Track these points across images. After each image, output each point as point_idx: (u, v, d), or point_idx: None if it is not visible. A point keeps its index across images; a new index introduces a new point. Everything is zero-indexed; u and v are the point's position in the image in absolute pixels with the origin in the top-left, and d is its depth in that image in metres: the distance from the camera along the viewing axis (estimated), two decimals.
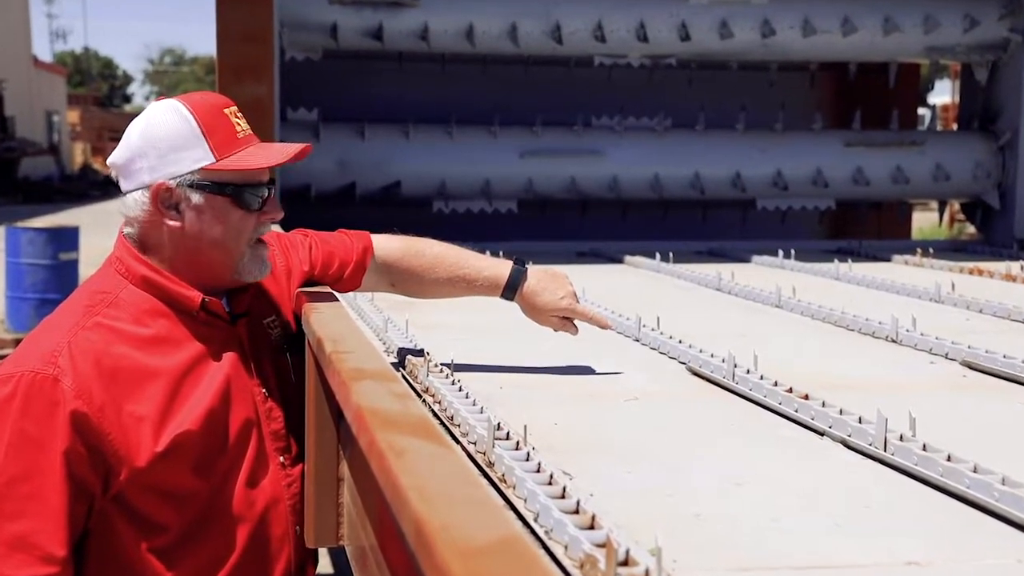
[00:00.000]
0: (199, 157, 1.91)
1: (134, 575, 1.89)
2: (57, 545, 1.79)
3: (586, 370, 2.36)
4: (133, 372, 1.86)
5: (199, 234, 1.94)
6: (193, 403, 1.90)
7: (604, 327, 2.38)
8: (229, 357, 1.98)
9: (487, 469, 1.55)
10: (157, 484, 1.87)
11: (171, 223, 1.93)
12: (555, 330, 2.35)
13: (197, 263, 1.96)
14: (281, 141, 5.30)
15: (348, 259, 2.26)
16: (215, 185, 1.92)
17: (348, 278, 2.28)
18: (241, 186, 1.94)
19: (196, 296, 1.95)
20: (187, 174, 1.91)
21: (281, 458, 2.02)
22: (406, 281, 2.33)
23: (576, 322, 2.35)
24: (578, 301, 2.34)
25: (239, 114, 1.99)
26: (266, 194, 1.99)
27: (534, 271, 2.33)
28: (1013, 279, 4.02)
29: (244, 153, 1.94)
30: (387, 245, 2.31)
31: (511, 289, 2.30)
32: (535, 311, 2.32)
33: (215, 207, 1.93)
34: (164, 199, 1.92)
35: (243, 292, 2.05)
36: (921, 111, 8.55)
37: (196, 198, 1.92)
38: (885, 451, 1.64)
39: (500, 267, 2.32)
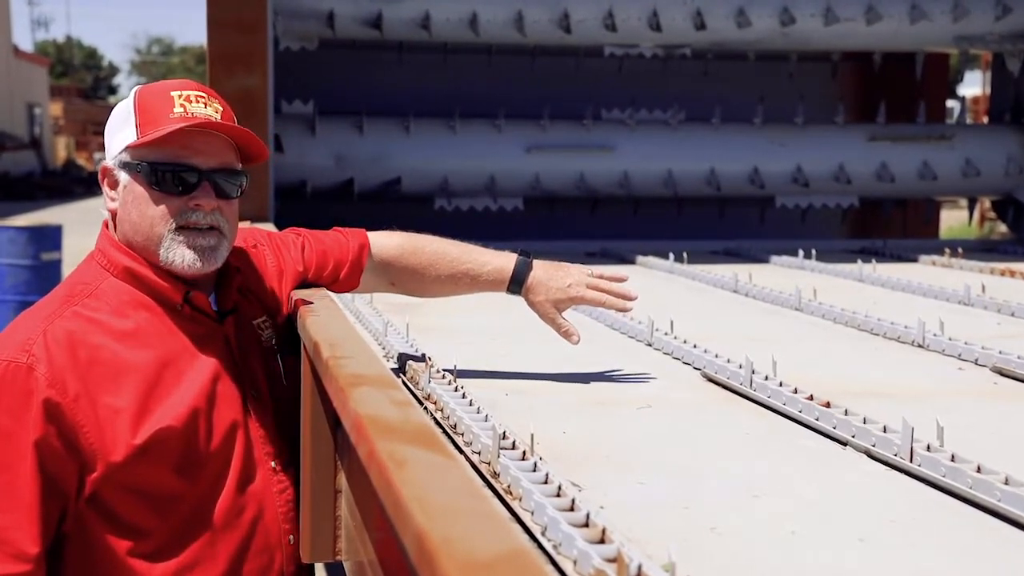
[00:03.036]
0: (127, 136, 1.96)
1: None
2: (29, 542, 1.80)
3: (596, 376, 2.36)
4: (111, 364, 1.88)
5: (124, 217, 1.98)
6: (175, 399, 1.91)
7: (623, 309, 2.33)
8: (214, 355, 1.98)
9: (492, 480, 1.56)
10: (137, 484, 1.88)
11: (110, 205, 2.00)
12: (559, 332, 2.31)
13: (134, 250, 1.98)
14: (276, 135, 5.32)
15: (344, 259, 2.27)
16: (132, 163, 1.96)
17: (345, 279, 2.28)
18: (157, 164, 1.94)
19: (179, 288, 1.96)
20: (117, 154, 1.98)
21: (272, 463, 2.02)
22: (406, 280, 2.33)
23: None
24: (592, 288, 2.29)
25: (198, 99, 1.97)
26: (195, 178, 1.95)
27: (541, 262, 2.32)
28: None
29: (161, 128, 1.93)
30: (385, 242, 2.31)
31: (517, 282, 2.28)
32: (542, 304, 2.29)
33: (134, 188, 1.96)
34: (109, 181, 2.00)
35: (227, 288, 2.05)
36: (950, 103, 8.55)
37: (123, 178, 1.97)
38: (911, 462, 1.64)
39: (505, 260, 2.31)
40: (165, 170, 1.93)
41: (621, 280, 2.33)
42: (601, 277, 2.32)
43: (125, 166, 1.96)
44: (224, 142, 1.99)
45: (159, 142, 1.92)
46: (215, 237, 1.97)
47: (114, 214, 2.00)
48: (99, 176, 2.02)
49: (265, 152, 2.06)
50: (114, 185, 1.99)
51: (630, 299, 2.32)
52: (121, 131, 1.98)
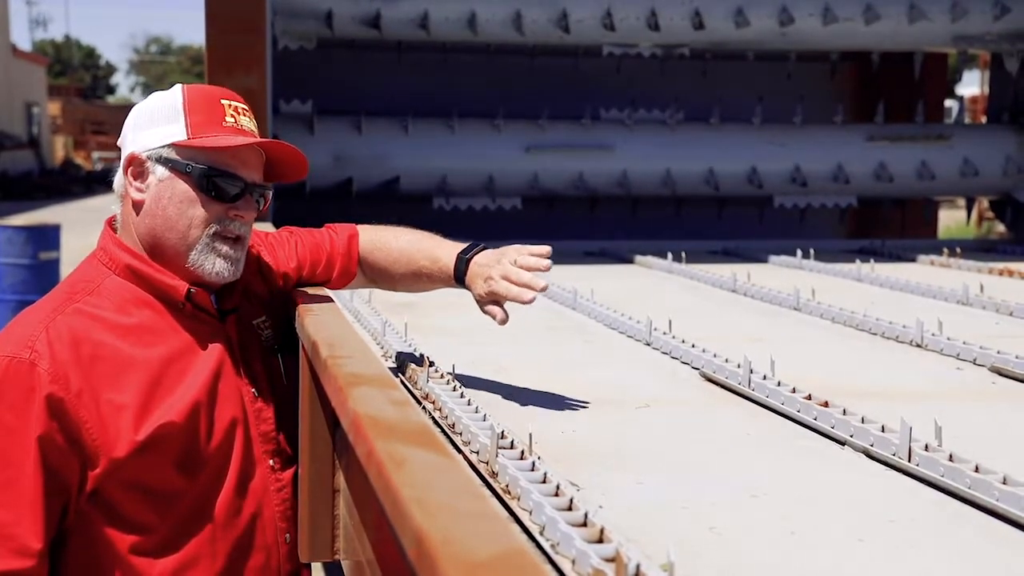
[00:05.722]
0: (173, 132, 1.96)
1: None
2: (33, 537, 1.80)
3: (595, 376, 2.36)
4: (113, 360, 1.88)
5: (156, 211, 1.96)
6: (177, 396, 1.92)
7: (521, 301, 2.03)
8: (216, 353, 1.99)
9: (491, 480, 1.56)
10: (138, 480, 1.89)
11: (136, 196, 1.98)
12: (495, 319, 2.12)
13: (157, 245, 1.98)
14: (273, 134, 5.32)
15: (336, 253, 2.27)
16: (180, 163, 1.95)
17: (340, 273, 2.28)
18: (208, 168, 1.95)
19: (181, 286, 1.97)
20: (158, 147, 1.96)
21: (271, 461, 2.03)
22: (377, 276, 2.31)
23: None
24: (507, 276, 2.03)
25: (243, 111, 2.00)
26: (239, 189, 1.97)
27: (482, 254, 2.14)
28: None
29: (220, 137, 1.95)
30: (363, 238, 2.31)
31: (459, 280, 2.16)
32: (477, 299, 2.12)
33: (175, 185, 1.95)
34: (135, 170, 1.98)
35: (230, 288, 2.06)
36: (948, 103, 8.56)
37: (161, 172, 1.96)
38: (909, 462, 1.64)
39: (450, 257, 2.18)
40: (217, 176, 1.95)
41: (543, 256, 2.06)
42: (531, 256, 2.06)
43: (167, 162, 1.95)
44: (260, 157, 2.03)
45: (219, 149, 1.94)
46: (240, 249, 2.01)
47: (138, 204, 1.98)
48: (123, 164, 1.99)
49: (306, 172, 2.09)
50: (140, 175, 1.98)
51: (534, 289, 2.03)
52: (165, 125, 1.97)
